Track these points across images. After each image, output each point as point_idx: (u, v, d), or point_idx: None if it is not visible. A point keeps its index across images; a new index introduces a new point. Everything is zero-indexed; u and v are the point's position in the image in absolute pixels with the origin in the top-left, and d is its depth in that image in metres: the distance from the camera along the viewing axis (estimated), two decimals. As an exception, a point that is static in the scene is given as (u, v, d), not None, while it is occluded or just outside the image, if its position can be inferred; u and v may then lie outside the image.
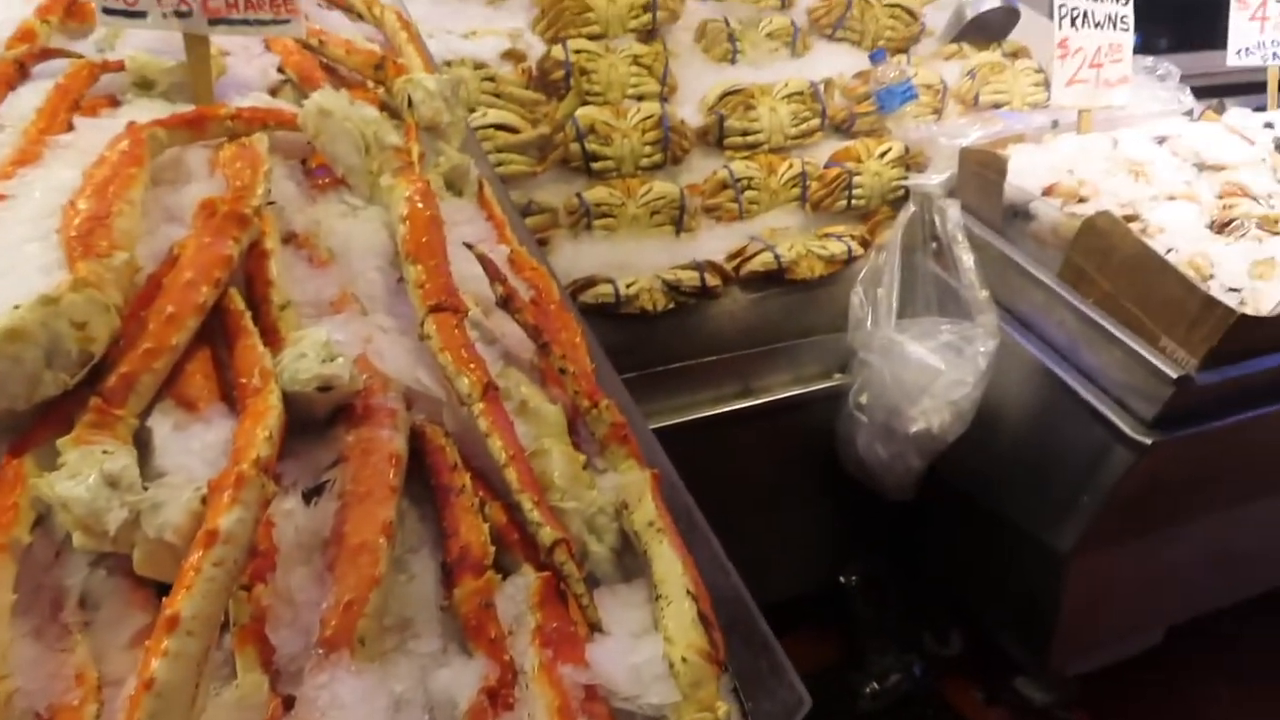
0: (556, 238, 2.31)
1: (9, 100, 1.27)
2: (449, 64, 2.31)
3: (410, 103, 1.45)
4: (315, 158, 1.30)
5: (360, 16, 1.91)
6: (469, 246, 1.20)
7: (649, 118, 2.40)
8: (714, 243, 2.38)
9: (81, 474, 0.83)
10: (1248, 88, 3.01)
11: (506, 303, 1.14)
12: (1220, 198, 2.21)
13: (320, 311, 1.09)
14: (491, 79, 2.33)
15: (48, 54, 1.37)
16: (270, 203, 1.12)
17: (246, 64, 1.49)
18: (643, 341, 2.29)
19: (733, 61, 2.63)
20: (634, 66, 2.46)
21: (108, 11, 1.32)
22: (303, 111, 1.25)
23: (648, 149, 2.41)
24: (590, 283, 2.23)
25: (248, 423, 0.89)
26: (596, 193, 2.33)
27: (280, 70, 1.48)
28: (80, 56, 1.41)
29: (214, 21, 1.35)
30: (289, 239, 1.20)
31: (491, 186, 1.53)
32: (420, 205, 1.17)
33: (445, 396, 1.05)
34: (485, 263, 1.17)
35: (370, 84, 1.56)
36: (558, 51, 2.39)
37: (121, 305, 0.94)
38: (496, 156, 2.27)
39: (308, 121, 1.25)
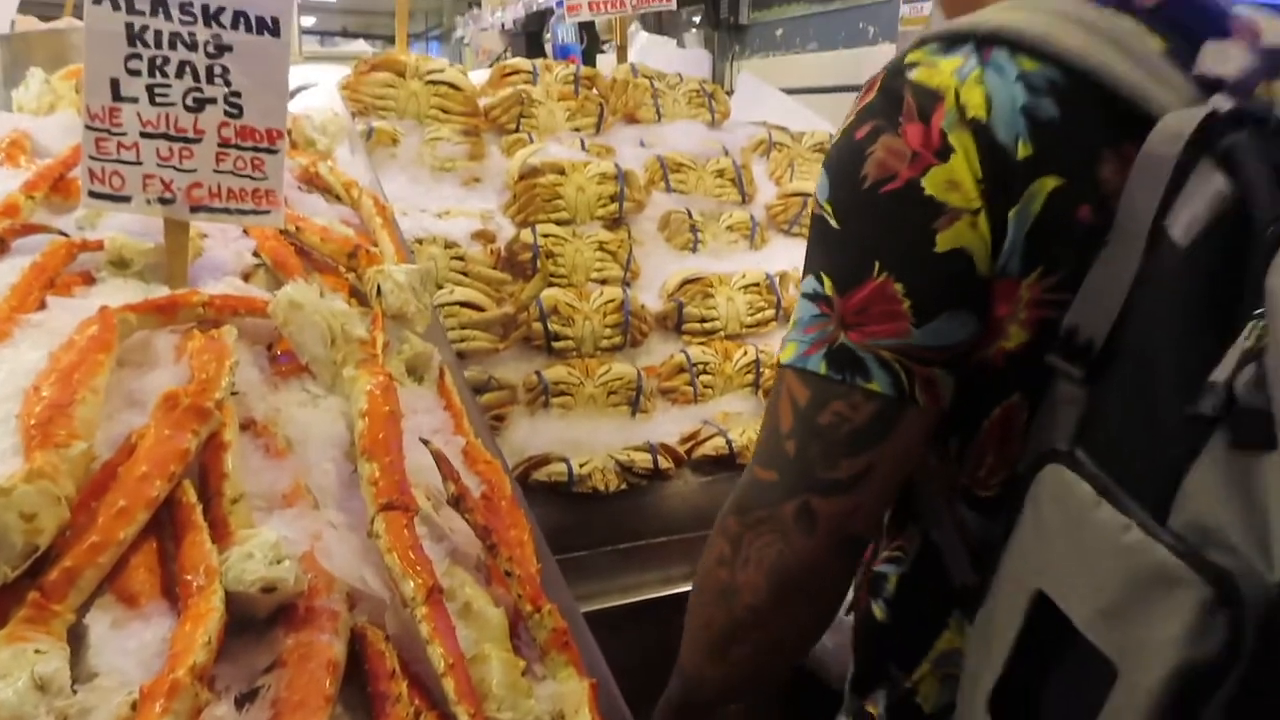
0: (514, 414, 2.35)
1: (-16, 276, 1.30)
2: (420, 242, 2.41)
3: (379, 292, 1.50)
4: (281, 343, 1.34)
5: (339, 199, 2.00)
6: (425, 442, 1.23)
7: (611, 301, 2.49)
8: (668, 425, 2.43)
9: (11, 675, 0.81)
10: None
11: (458, 502, 1.16)
12: None
13: (272, 504, 1.10)
14: (461, 258, 2.42)
15: (29, 229, 1.42)
16: (233, 393, 1.15)
17: (223, 246, 1.54)
18: (594, 520, 2.30)
19: (694, 250, 2.76)
20: (599, 252, 2.57)
21: (94, 195, 1.37)
22: (274, 302, 1.30)
23: (608, 331, 2.49)
24: (544, 461, 2.26)
25: (188, 625, 0.88)
26: (556, 371, 2.39)
27: (255, 254, 1.54)
28: (61, 233, 1.46)
29: (196, 209, 1.41)
30: (248, 425, 1.22)
31: (451, 373, 1.57)
32: (380, 400, 1.20)
33: (389, 597, 1.05)
34: (439, 460, 1.19)
35: (343, 269, 1.62)
36: (526, 235, 2.50)
37: (73, 495, 0.95)
38: (460, 333, 2.33)
39: (278, 311, 1.29)
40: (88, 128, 1.36)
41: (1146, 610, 0.72)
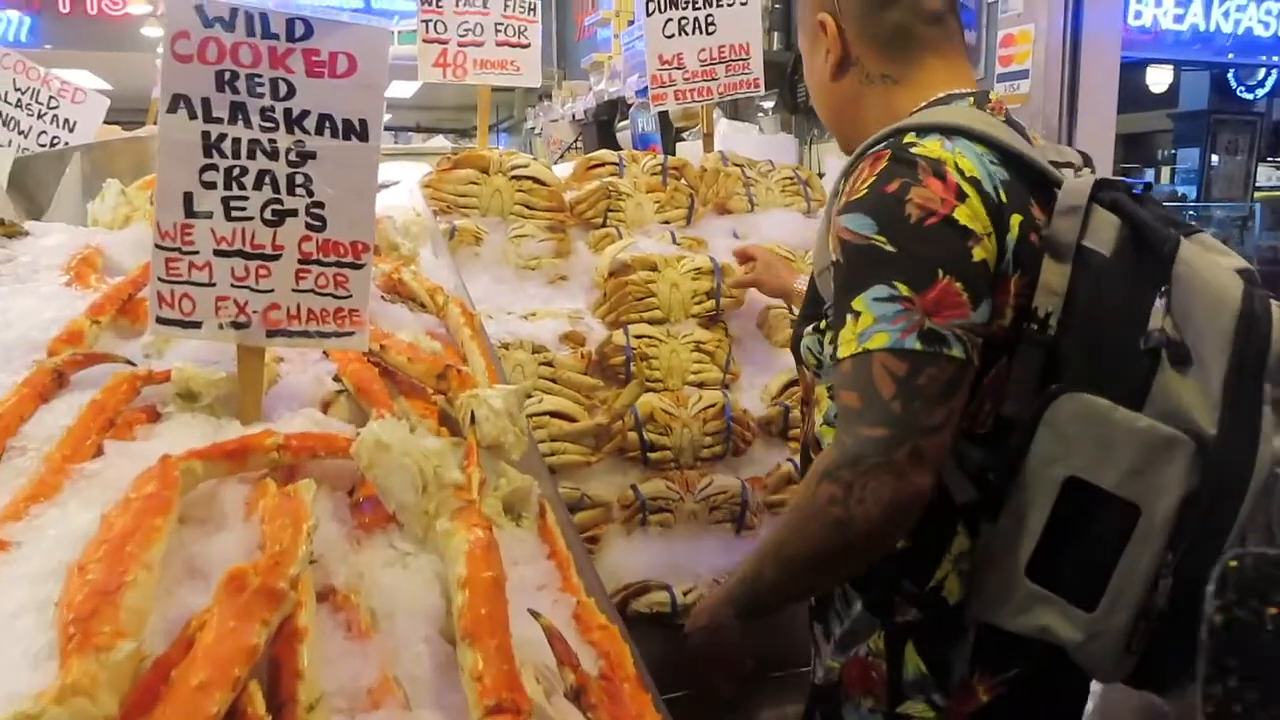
0: (608, 534, 2.14)
1: (38, 416, 1.15)
2: (506, 346, 2.24)
3: (473, 419, 1.32)
4: (364, 488, 1.16)
5: (424, 307, 1.85)
6: (534, 615, 1.03)
7: (711, 406, 2.29)
8: (778, 545, 2.19)
9: None
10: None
11: (578, 696, 0.95)
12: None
13: (356, 704, 0.90)
14: (550, 363, 2.24)
15: (92, 359, 1.28)
16: (311, 561, 0.96)
17: (301, 371, 1.39)
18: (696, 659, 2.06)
19: (796, 349, 2.55)
20: (696, 353, 2.38)
21: (162, 322, 1.23)
22: (358, 442, 1.12)
23: (708, 439, 2.28)
24: (644, 589, 2.04)
25: None
26: (653, 485, 2.19)
27: (336, 379, 1.37)
28: (127, 362, 1.31)
29: (273, 333, 1.25)
30: (326, 595, 1.03)
31: (553, 508, 1.37)
32: (481, 563, 1.01)
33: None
34: (554, 640, 0.99)
35: (431, 392, 1.45)
36: (618, 337, 2.32)
37: (114, 715, 0.76)
38: (550, 445, 2.15)
39: (362, 453, 1.12)
40: (158, 247, 1.22)
41: (1157, 465, 1.23)
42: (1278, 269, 8.50)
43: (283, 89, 1.23)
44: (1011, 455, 1.31)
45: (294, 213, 1.25)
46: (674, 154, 3.41)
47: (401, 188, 2.72)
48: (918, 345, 1.24)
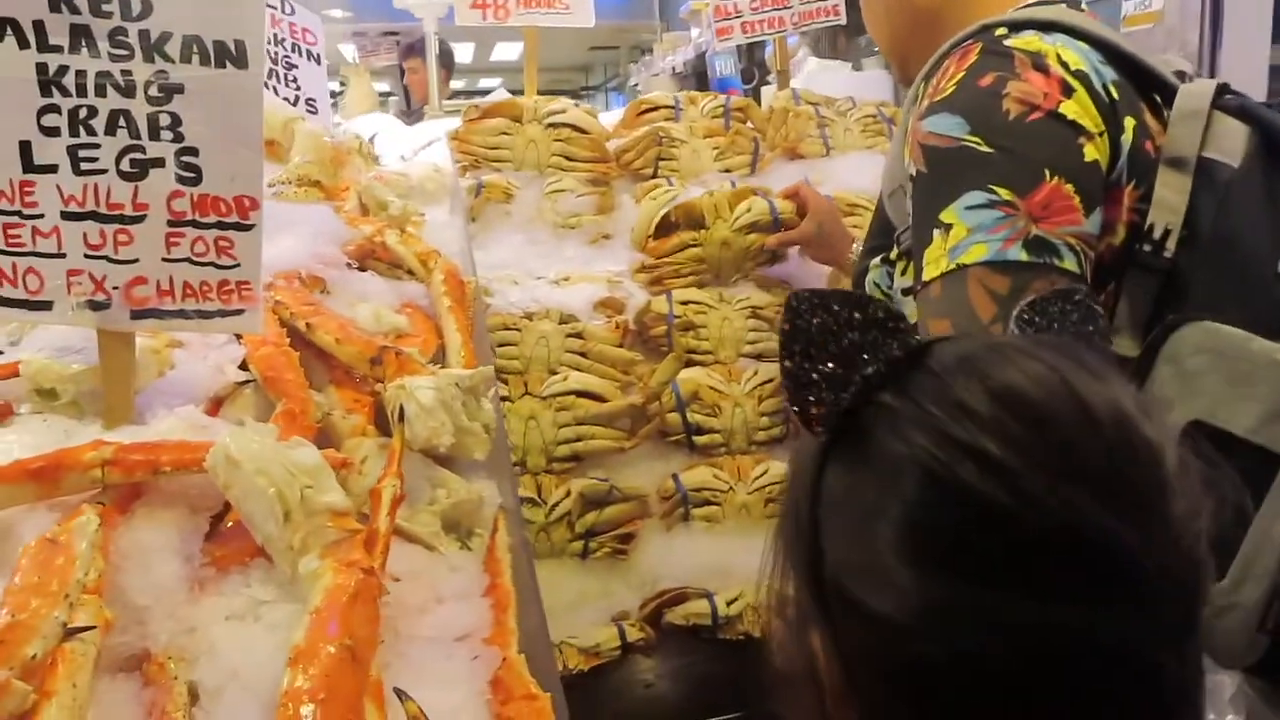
0: (644, 532, 1.85)
1: None
2: (530, 316, 1.97)
3: (401, 415, 1.05)
4: (234, 512, 0.90)
5: (411, 275, 1.59)
6: (401, 697, 0.75)
7: (768, 382, 1.96)
8: (845, 545, 1.85)
9: None
10: None
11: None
12: None
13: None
14: (579, 334, 1.96)
15: (-60, 352, 1.06)
16: (81, 631, 0.71)
17: (201, 358, 1.14)
18: (748, 675, 1.76)
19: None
20: (752, 319, 2.04)
21: (4, 303, 1.00)
22: (210, 455, 0.86)
23: (765, 420, 1.96)
24: (681, 598, 1.75)
25: None
26: (698, 474, 1.89)
27: (243, 366, 1.12)
28: (-8, 351, 1.09)
29: (139, 314, 1.01)
30: (141, 661, 0.78)
31: (509, 526, 1.09)
32: (327, 626, 0.73)
33: None
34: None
35: (372, 381, 1.18)
36: (659, 304, 2.01)
37: None
38: (576, 430, 1.86)
39: (217, 469, 0.86)
40: (-7, 211, 0.99)
41: None
42: None
43: (136, 6, 0.98)
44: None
45: (159, 162, 0.99)
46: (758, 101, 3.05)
47: (440, 146, 2.47)
48: (1023, 255, 1.06)
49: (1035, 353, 0.60)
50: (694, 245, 2.07)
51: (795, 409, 0.64)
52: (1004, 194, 1.07)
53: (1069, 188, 1.07)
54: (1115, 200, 1.11)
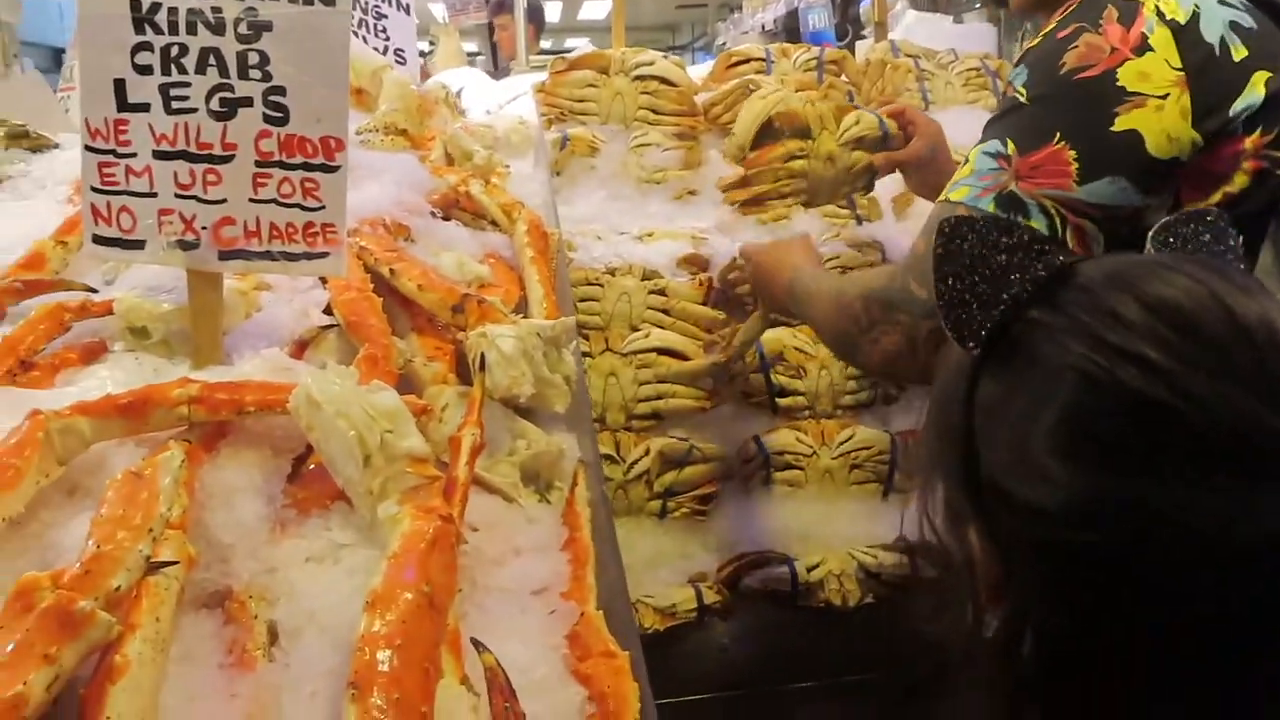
0: (723, 494, 1.82)
1: (-49, 356, 0.96)
2: (613, 272, 1.94)
3: (483, 363, 1.03)
4: (317, 455, 0.90)
5: (495, 226, 1.57)
6: (478, 648, 0.74)
7: (856, 345, 1.89)
8: (932, 514, 1.79)
9: None
10: None
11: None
12: None
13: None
14: (662, 291, 1.92)
15: (36, 287, 1.08)
16: (164, 566, 0.71)
17: (287, 301, 1.14)
18: (825, 644, 1.72)
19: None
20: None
21: (100, 241, 1.01)
22: (293, 396, 0.86)
23: (852, 384, 1.90)
24: (761, 561, 1.72)
25: None
26: (780, 437, 1.84)
27: (327, 310, 1.12)
28: (87, 289, 1.11)
29: (226, 255, 1.01)
30: (223, 599, 0.78)
31: (589, 480, 1.07)
32: (403, 574, 0.72)
33: None
34: (494, 692, 0.70)
35: (454, 329, 1.17)
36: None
37: None
38: (657, 388, 1.83)
39: (299, 411, 0.85)
40: (88, 149, 0.99)
41: None
42: None
43: (226, -60, 0.96)
44: None
45: (247, 101, 0.99)
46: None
47: (526, 100, 2.45)
48: (990, 207, 1.12)
49: (1181, 267, 0.63)
50: (799, 157, 1.97)
51: (949, 327, 0.68)
52: (1010, 148, 1.12)
53: (1071, 154, 1.09)
54: (1219, 152, 1.08)
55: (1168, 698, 0.60)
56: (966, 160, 1.17)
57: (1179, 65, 1.07)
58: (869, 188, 1.99)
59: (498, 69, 5.69)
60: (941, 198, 1.19)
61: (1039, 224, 1.10)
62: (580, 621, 0.86)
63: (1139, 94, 1.07)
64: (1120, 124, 1.07)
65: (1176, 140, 1.07)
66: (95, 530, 0.69)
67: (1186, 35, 1.07)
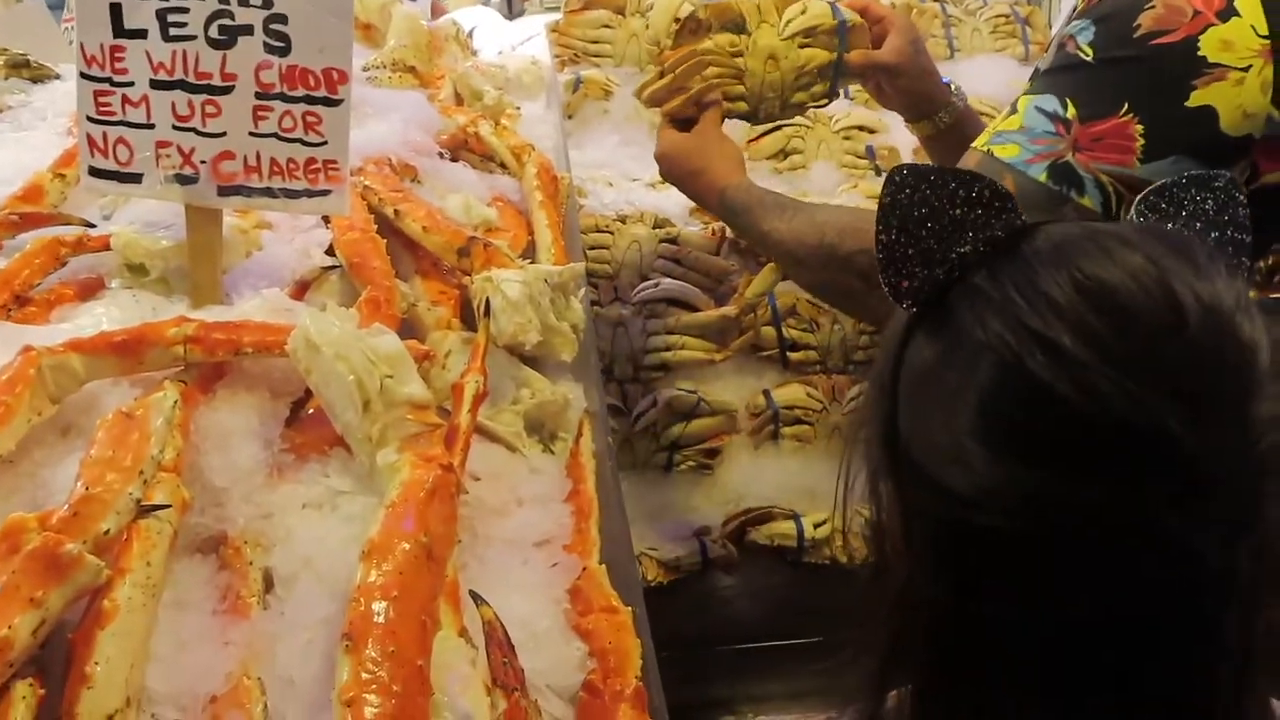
0: (731, 447, 1.79)
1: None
2: (624, 220, 1.90)
3: (487, 309, 1.01)
4: (314, 401, 0.88)
5: (504, 168, 1.53)
6: (476, 601, 0.72)
7: (870, 299, 1.86)
8: (942, 474, 1.77)
9: None
10: None
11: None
12: None
13: (187, 717, 0.63)
14: (674, 240, 1.88)
15: (33, 220, 1.05)
16: (156, 509, 0.69)
17: (289, 241, 1.11)
18: (829, 603, 1.71)
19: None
20: (859, 228, 1.93)
21: (95, 173, 0.98)
22: (291, 338, 0.83)
23: (864, 339, 1.86)
24: (766, 516, 1.70)
25: None
26: (790, 392, 1.81)
27: (329, 251, 1.09)
28: (84, 224, 1.08)
29: (226, 191, 0.98)
30: (217, 544, 0.76)
31: (592, 430, 1.05)
32: (402, 522, 0.70)
33: None
34: (492, 645, 0.68)
35: (459, 272, 1.14)
36: (760, 211, 1.91)
37: None
38: (666, 339, 1.80)
39: (297, 353, 0.83)
40: (83, 77, 0.96)
41: None
42: None
43: None
44: None
45: (247, 29, 0.95)
46: None
47: (539, 41, 2.39)
48: (1042, 177, 1.01)
49: (1139, 243, 0.59)
50: (735, 54, 1.52)
51: (885, 281, 0.64)
52: (1070, 110, 1.02)
53: (1138, 129, 0.99)
54: None
55: (1033, 694, 0.59)
56: (1014, 110, 1.06)
57: (1266, 32, 0.96)
58: (830, 96, 1.60)
59: (512, 10, 5.58)
60: (982, 147, 1.07)
61: (1092, 201, 1.01)
62: (582, 576, 0.85)
63: (1220, 65, 0.97)
64: (1196, 99, 0.98)
65: (1253, 117, 0.98)
66: (84, 471, 0.67)
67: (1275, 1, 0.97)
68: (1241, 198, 0.67)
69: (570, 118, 2.09)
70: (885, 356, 0.65)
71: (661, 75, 1.51)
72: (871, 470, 0.66)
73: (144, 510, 0.67)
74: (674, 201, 1.95)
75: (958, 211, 0.62)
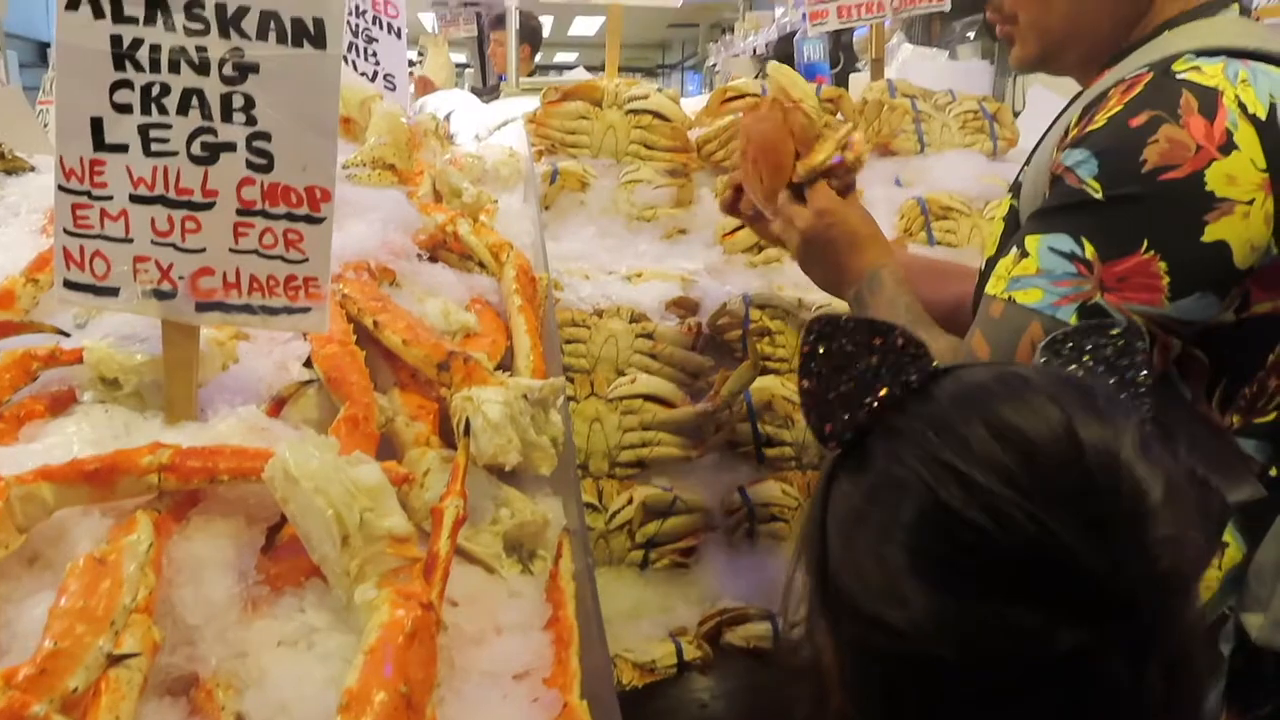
0: (706, 546, 1.78)
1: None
2: (600, 314, 1.90)
3: (467, 429, 0.99)
4: (290, 528, 0.85)
5: (482, 267, 1.53)
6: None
7: (845, 395, 1.86)
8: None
9: None
10: None
11: None
12: None
13: None
14: (649, 335, 1.88)
15: (7, 329, 1.03)
16: (126, 658, 0.66)
17: (267, 353, 1.09)
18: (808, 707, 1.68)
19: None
20: (832, 327, 1.95)
21: (70, 286, 0.96)
22: (268, 467, 0.81)
23: (840, 435, 1.86)
24: (741, 617, 1.68)
25: None
26: (766, 489, 1.80)
27: (308, 363, 1.07)
28: (59, 333, 1.06)
29: (204, 307, 0.96)
30: (186, 685, 0.73)
31: (572, 551, 1.03)
32: (381, 666, 0.68)
33: None
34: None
35: (439, 385, 1.13)
36: (735, 304, 1.93)
37: None
38: (642, 435, 1.80)
39: (275, 482, 0.81)
40: (61, 189, 0.94)
41: None
42: None
43: (216, -21, 0.92)
44: None
45: (230, 147, 0.94)
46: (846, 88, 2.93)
47: (516, 127, 2.41)
48: (1072, 319, 1.02)
49: (1045, 388, 0.63)
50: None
51: (810, 424, 0.69)
52: (1088, 251, 1.01)
53: (1161, 266, 0.99)
54: None
55: None
56: (1025, 253, 1.05)
57: (1264, 166, 0.98)
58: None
59: (486, 84, 5.66)
60: (1002, 295, 1.06)
61: None
62: (563, 713, 0.82)
63: (1227, 200, 0.98)
64: (1210, 233, 0.98)
65: (1258, 249, 0.99)
66: (54, 623, 0.65)
67: (1270, 132, 0.98)
68: (1141, 344, 0.73)
69: (547, 209, 2.10)
70: (813, 499, 0.70)
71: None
72: (811, 612, 0.70)
73: (114, 660, 0.64)
74: (650, 295, 1.96)
75: (875, 358, 0.67)
